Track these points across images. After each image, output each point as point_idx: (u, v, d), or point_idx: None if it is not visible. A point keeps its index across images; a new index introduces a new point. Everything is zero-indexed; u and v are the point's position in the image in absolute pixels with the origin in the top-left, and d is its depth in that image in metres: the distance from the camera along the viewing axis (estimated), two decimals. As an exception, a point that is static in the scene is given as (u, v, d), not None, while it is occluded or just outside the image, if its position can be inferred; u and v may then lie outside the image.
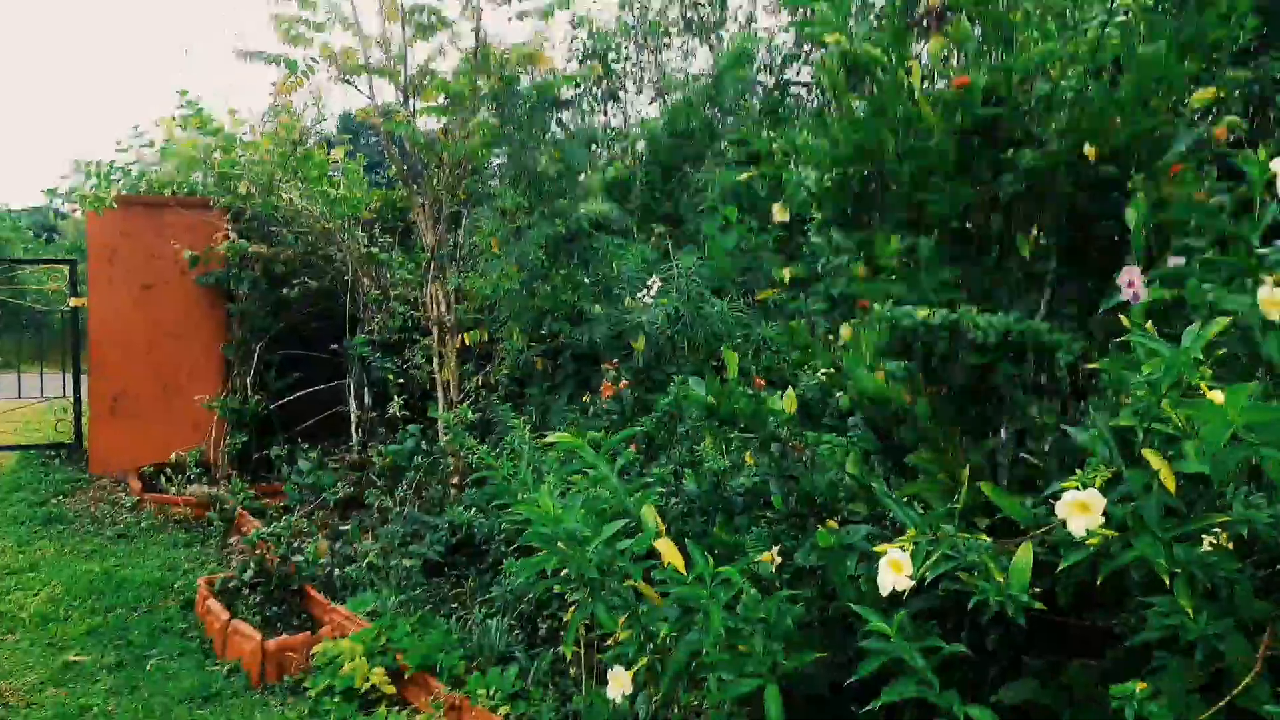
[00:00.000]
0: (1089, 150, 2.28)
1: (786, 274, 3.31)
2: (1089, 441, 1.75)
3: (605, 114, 7.85)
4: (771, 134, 3.40)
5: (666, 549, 2.25)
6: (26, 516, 5.69)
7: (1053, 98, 2.41)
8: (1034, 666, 2.26)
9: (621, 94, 7.99)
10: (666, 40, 8.58)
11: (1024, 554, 1.81)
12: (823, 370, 3.13)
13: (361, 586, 4.28)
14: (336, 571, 4.45)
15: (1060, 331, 2.20)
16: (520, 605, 3.88)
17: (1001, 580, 1.77)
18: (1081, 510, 1.60)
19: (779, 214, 3.64)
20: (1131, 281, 1.81)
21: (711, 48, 8.72)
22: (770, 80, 8.35)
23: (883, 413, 2.61)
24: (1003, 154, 2.38)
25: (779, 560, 2.67)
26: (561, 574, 2.26)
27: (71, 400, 7.52)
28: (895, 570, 1.68)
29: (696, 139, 7.59)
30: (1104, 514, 1.60)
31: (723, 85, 6.91)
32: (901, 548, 1.72)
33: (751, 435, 2.90)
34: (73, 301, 7.34)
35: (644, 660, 2.24)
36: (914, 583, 1.68)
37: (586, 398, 4.97)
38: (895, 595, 2.52)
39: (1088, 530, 1.60)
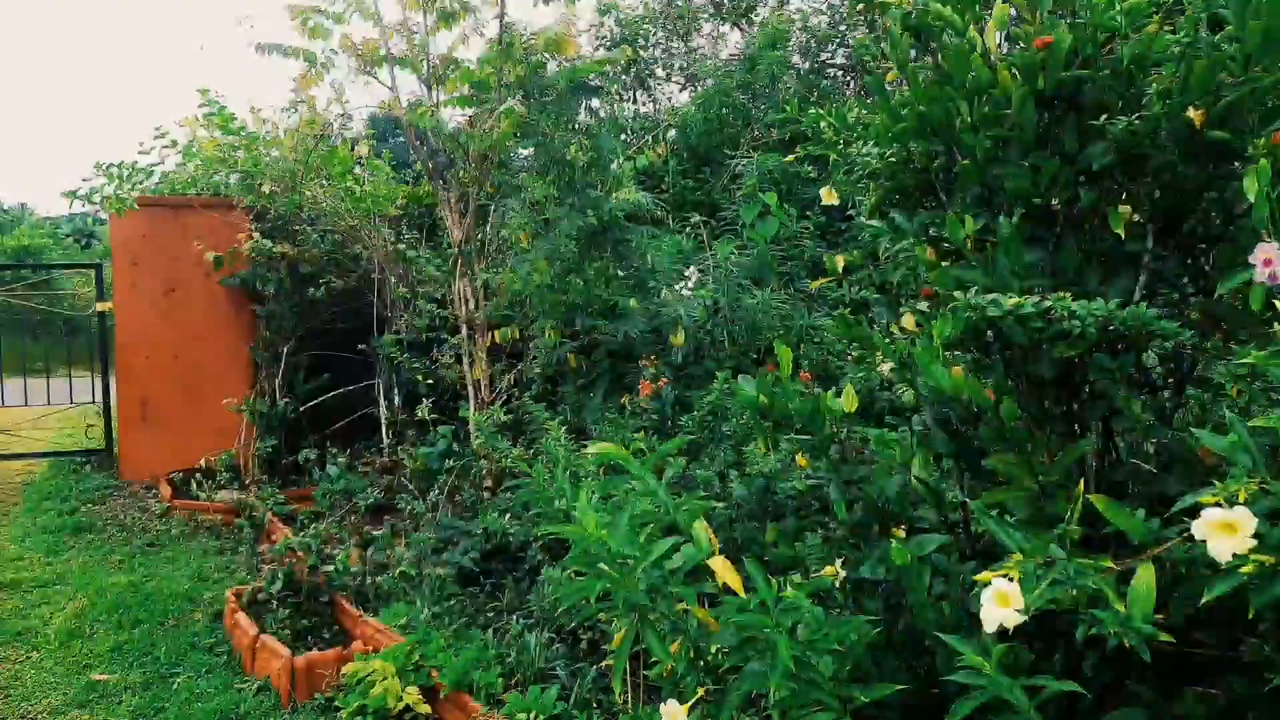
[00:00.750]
0: (1194, 114, 2.02)
1: (840, 261, 3.07)
2: (1228, 448, 1.50)
3: (635, 101, 7.62)
4: (820, 111, 3.16)
5: (722, 568, 2.03)
6: (56, 526, 5.59)
7: (1147, 56, 2.15)
8: (1140, 695, 2.01)
9: (650, 81, 7.75)
10: (696, 25, 8.33)
11: (1145, 577, 1.57)
12: (886, 365, 2.89)
13: (394, 597, 4.11)
14: (369, 580, 4.28)
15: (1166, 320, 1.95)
16: (560, 617, 3.68)
17: (1122, 609, 1.53)
18: (1226, 531, 1.36)
19: (828, 197, 3.41)
20: (1269, 260, 1.56)
21: (743, 32, 8.45)
22: (805, 64, 8.07)
23: (957, 411, 2.37)
24: (1093, 120, 2.13)
25: (842, 575, 2.45)
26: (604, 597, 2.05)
27: (101, 406, 7.45)
28: (1002, 603, 1.44)
29: (730, 125, 7.34)
30: (1255, 535, 1.36)
31: (757, 68, 6.65)
32: (1007, 575, 1.48)
33: (808, 436, 2.67)
34: (99, 306, 7.26)
35: (700, 692, 2.02)
36: (1025, 618, 1.44)
37: (625, 398, 4.76)
38: (975, 617, 2.29)
39: (1235, 555, 1.36)
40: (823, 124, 3.24)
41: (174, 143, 6.80)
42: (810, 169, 6.56)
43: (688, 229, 5.60)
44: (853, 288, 6.25)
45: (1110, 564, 1.51)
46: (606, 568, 1.90)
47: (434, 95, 5.10)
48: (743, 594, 2.02)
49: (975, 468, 2.54)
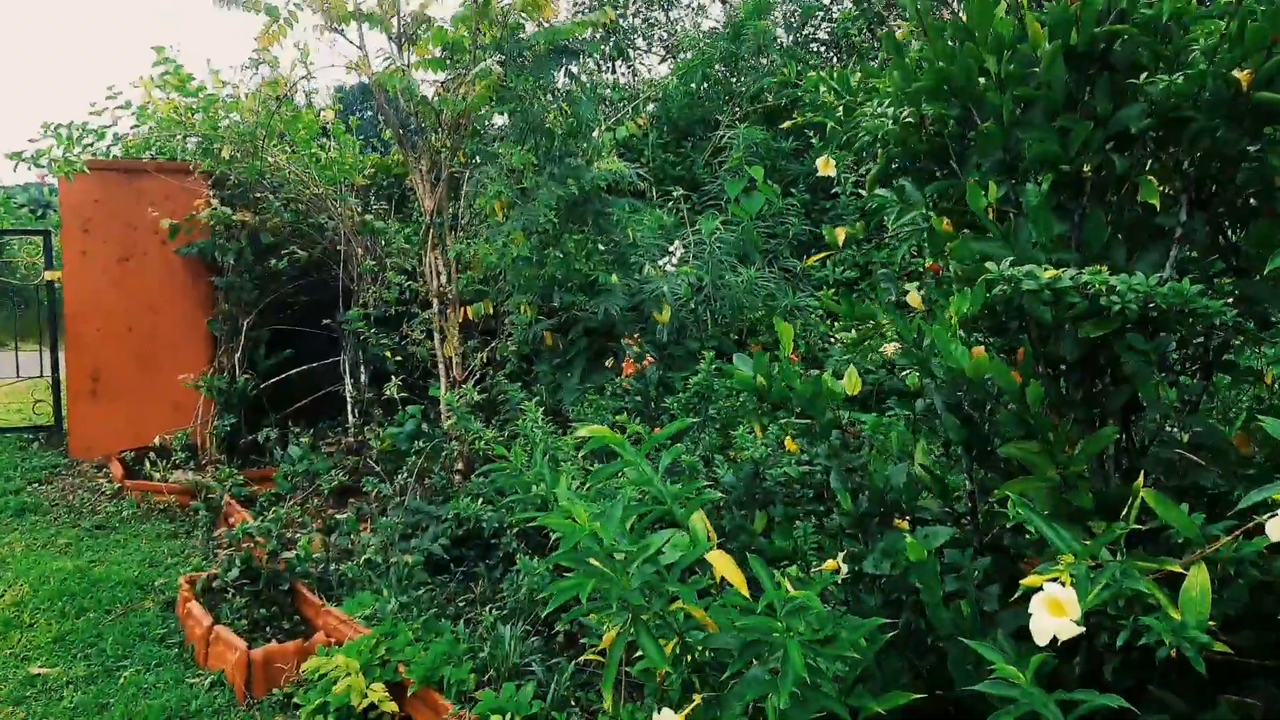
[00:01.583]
0: (1240, 75, 1.85)
1: (840, 235, 2.88)
2: (1306, 439, 1.34)
3: (614, 72, 7.37)
4: (820, 74, 2.97)
5: (722, 564, 1.85)
6: (-1, 506, 5.29)
7: (1188, 11, 1.98)
8: (1169, 703, 1.86)
9: (630, 52, 7.50)
10: (676, -4, 8.08)
11: (1199, 580, 1.41)
12: (890, 346, 2.71)
13: (359, 585, 3.89)
14: (332, 567, 4.06)
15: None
16: (535, 608, 3.49)
17: (1176, 615, 1.37)
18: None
19: (824, 168, 3.22)
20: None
21: (725, 4, 8.21)
22: (789, 39, 7.86)
23: (973, 396, 2.20)
24: (1131, 80, 1.95)
25: (845, 570, 2.28)
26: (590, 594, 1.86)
27: (50, 380, 7.10)
28: (1056, 612, 1.27)
29: (712, 98, 7.12)
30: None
31: (742, 37, 6.43)
32: (1058, 579, 1.31)
33: (808, 421, 2.50)
34: (47, 275, 6.90)
35: (697, 699, 1.84)
36: (1082, 629, 1.27)
37: (605, 377, 4.56)
38: (989, 616, 2.13)
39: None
40: (822, 88, 3.05)
41: (128, 104, 6.45)
42: (794, 142, 6.38)
43: (670, 203, 5.39)
44: (837, 267, 6.10)
45: (1173, 565, 1.34)
46: (598, 563, 1.71)
47: (405, 56, 4.82)
48: (745, 591, 1.84)
49: (986, 456, 2.38)
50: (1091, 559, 1.38)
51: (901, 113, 2.20)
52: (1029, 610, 1.31)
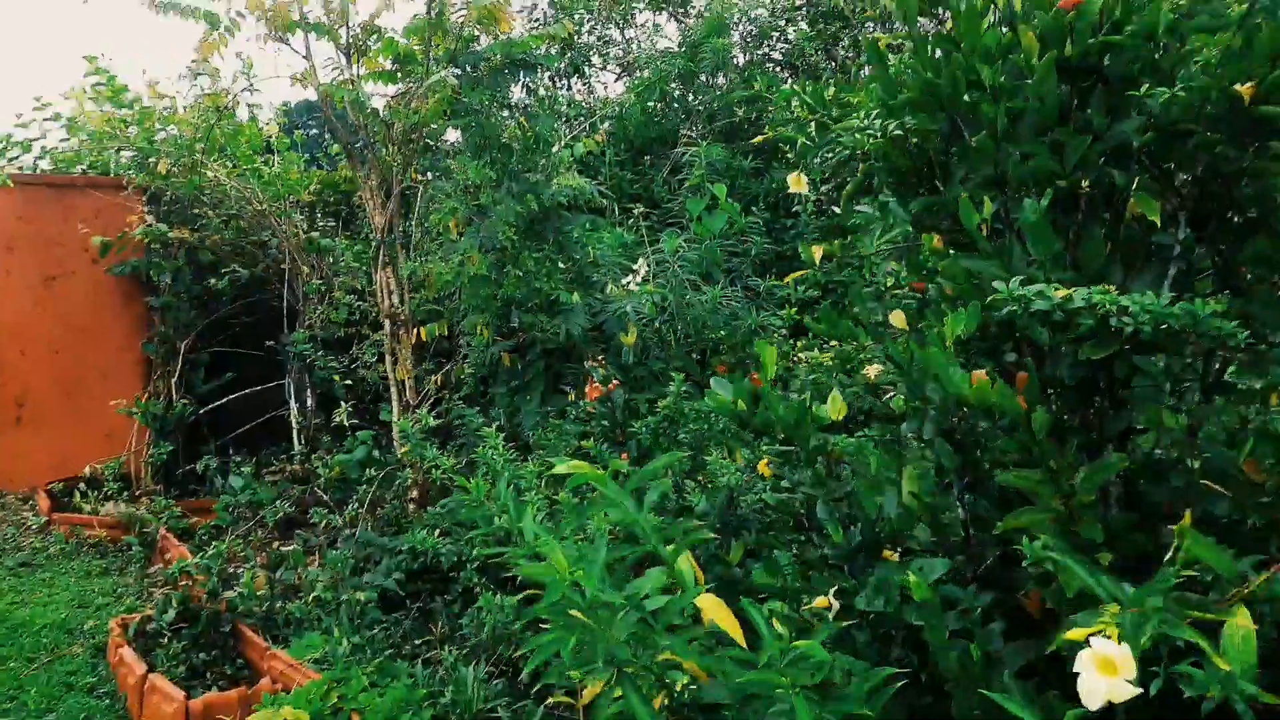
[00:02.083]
0: (1242, 89, 1.79)
1: (817, 253, 2.78)
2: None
3: (569, 89, 7.25)
4: (792, 88, 2.87)
5: (713, 608, 1.71)
6: (-89, 544, 4.91)
7: (1185, 23, 1.92)
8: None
9: (586, 68, 7.39)
10: (631, 15, 8.00)
11: (1242, 624, 1.31)
12: (873, 368, 2.61)
13: (307, 624, 3.66)
14: (278, 605, 3.82)
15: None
16: (498, 646, 3.30)
17: (1222, 665, 1.26)
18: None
19: (795, 184, 3.13)
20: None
21: (680, 23, 8.15)
22: (744, 57, 7.83)
23: (969, 422, 2.10)
24: (1129, 93, 1.88)
25: (836, 606, 2.15)
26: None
27: (-30, 407, 6.67)
28: (1107, 671, 1.15)
29: (669, 115, 7.04)
30: None
31: (700, 55, 6.36)
32: (1103, 633, 1.19)
33: (789, 448, 2.37)
34: (-33, 296, 6.49)
35: (689, 757, 1.69)
36: (1139, 690, 1.15)
37: (570, 397, 4.39)
38: (990, 655, 2.02)
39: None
40: (794, 103, 2.95)
41: (57, 115, 6.14)
42: (754, 160, 6.31)
43: (630, 220, 5.27)
44: (800, 286, 6.03)
45: (1226, 616, 1.23)
46: (581, 615, 1.56)
47: (354, 68, 4.63)
48: (739, 637, 1.70)
49: (981, 485, 2.29)
50: (1139, 609, 1.27)
51: (889, 125, 2.09)
52: (1074, 669, 1.19)
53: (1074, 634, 1.25)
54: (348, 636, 3.43)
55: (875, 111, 2.14)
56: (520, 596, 2.69)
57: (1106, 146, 1.99)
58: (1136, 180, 1.99)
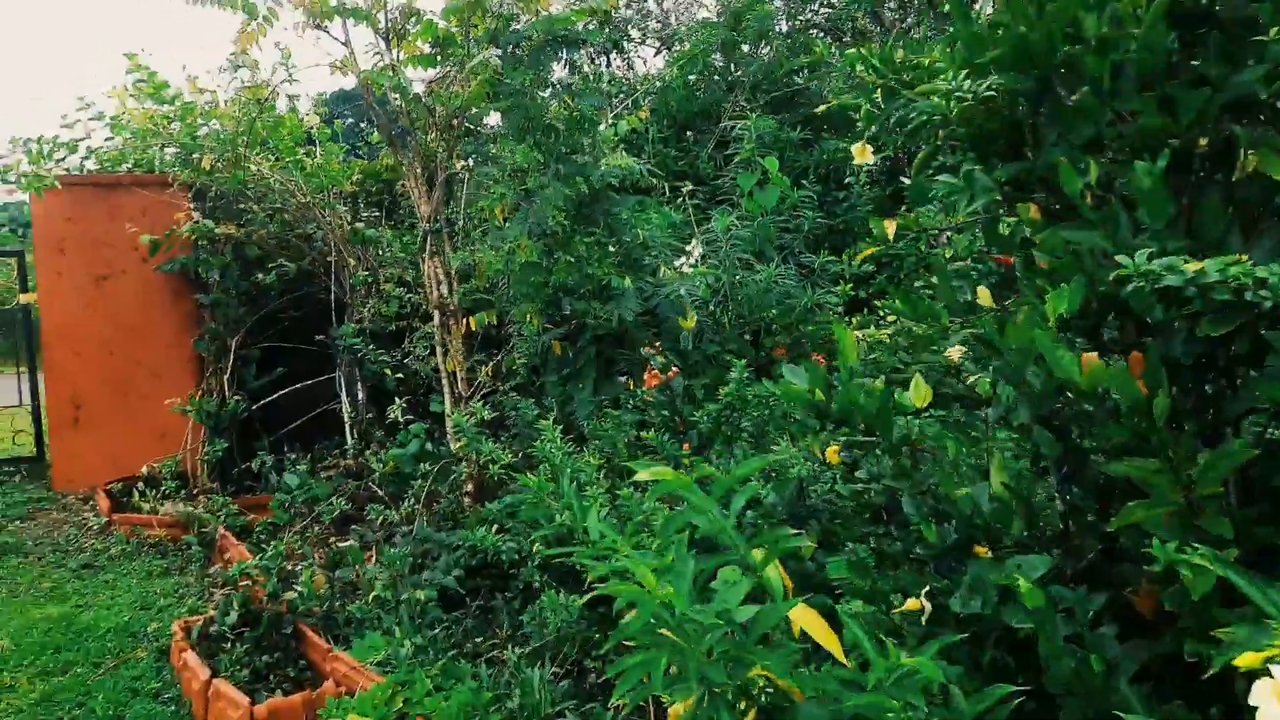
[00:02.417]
0: (1389, 25, 1.59)
1: (890, 227, 2.61)
2: None
3: (609, 65, 7.08)
4: (860, 51, 2.69)
5: (809, 622, 1.58)
6: (-22, 547, 4.98)
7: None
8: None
9: (624, 43, 7.21)
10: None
11: None
12: (955, 350, 2.44)
13: (368, 624, 3.60)
14: (338, 604, 3.77)
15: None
16: (563, 645, 3.21)
17: None
18: None
19: (860, 155, 2.95)
20: None
21: (718, -9, 7.90)
22: (786, 25, 7.58)
23: (1073, 407, 1.93)
24: (1258, 38, 1.68)
25: (928, 609, 2.01)
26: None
27: (30, 409, 6.77)
28: (1295, 706, 1.00)
29: (713, 88, 6.84)
30: None
31: (743, 25, 6.15)
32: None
33: (872, 438, 2.22)
34: (22, 298, 6.57)
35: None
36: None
37: (624, 389, 4.27)
38: (1112, 664, 1.86)
39: None
40: (858, 66, 2.77)
41: (100, 114, 6.13)
42: (804, 131, 6.10)
43: (679, 199, 5.11)
44: (854, 262, 5.82)
45: None
46: (672, 635, 1.43)
47: (394, 53, 4.53)
48: (839, 654, 1.57)
49: (1082, 475, 2.11)
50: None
51: (980, 85, 1.91)
52: (1250, 698, 1.04)
53: (1247, 660, 1.10)
54: (409, 637, 3.37)
55: (964, 72, 1.96)
56: (586, 598, 2.58)
57: (1224, 100, 1.79)
58: (1256, 138, 1.79)
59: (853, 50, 2.70)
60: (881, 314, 5.96)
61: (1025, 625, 1.90)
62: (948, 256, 2.79)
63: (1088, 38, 1.79)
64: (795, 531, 1.79)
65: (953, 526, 2.04)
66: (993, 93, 1.92)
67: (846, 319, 5.59)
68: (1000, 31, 1.95)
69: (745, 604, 1.58)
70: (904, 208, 6.79)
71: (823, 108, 2.86)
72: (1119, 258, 1.55)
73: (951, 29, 2.27)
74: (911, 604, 2.01)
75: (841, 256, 6.03)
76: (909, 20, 7.75)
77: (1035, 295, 2.11)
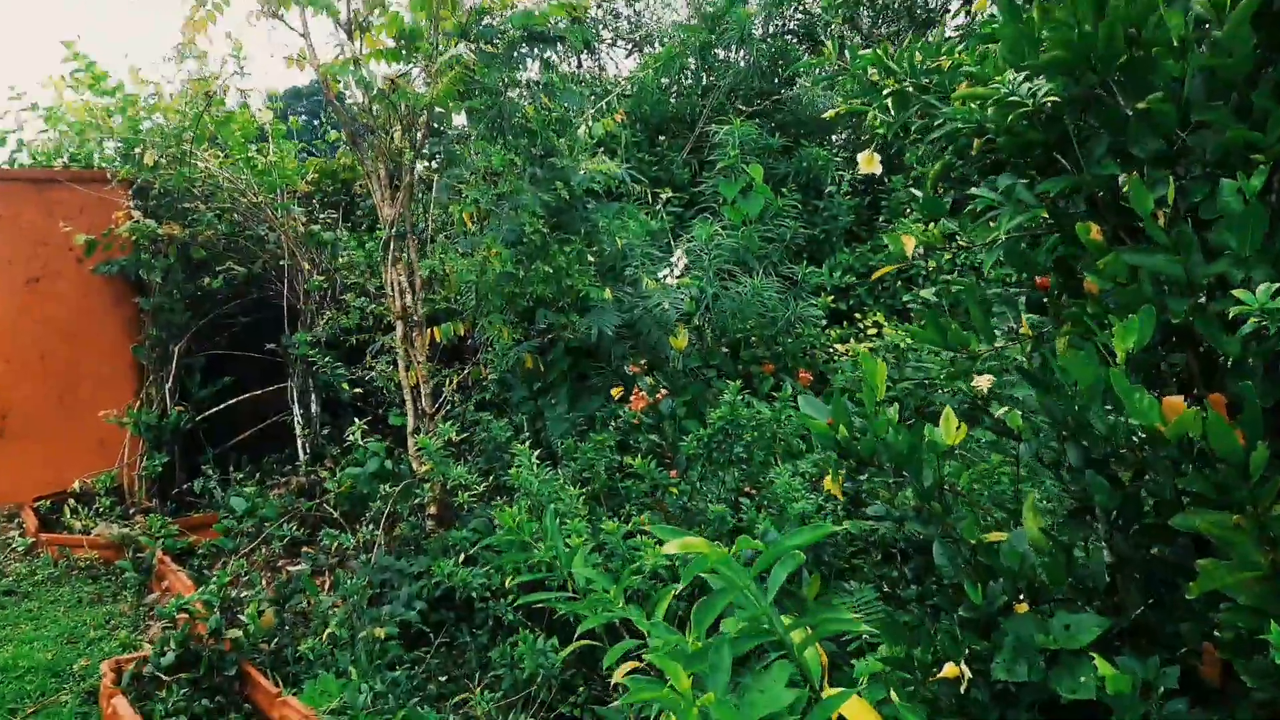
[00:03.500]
0: None
1: (908, 243, 2.40)
2: None
3: (580, 66, 6.84)
4: (875, 52, 2.49)
5: (860, 715, 1.34)
6: (-113, 572, 4.54)
7: None
8: None
9: (595, 44, 6.97)
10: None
11: None
12: (984, 379, 2.23)
13: (322, 662, 3.30)
14: (288, 640, 3.46)
15: None
16: (540, 692, 2.94)
17: None
18: None
19: (867, 164, 2.75)
20: None
21: (691, -4, 7.69)
22: (760, 30, 7.40)
23: (1141, 453, 1.73)
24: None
25: (968, 677, 1.79)
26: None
27: (-48, 417, 6.28)
28: None
29: (688, 91, 6.64)
30: None
31: (720, 28, 5.95)
32: None
33: (900, 478, 2.00)
34: (-55, 300, 6.09)
35: None
36: None
37: (593, 404, 4.02)
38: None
39: None
40: (870, 70, 2.57)
41: (34, 105, 5.72)
42: (783, 138, 5.92)
43: (658, 206, 4.88)
44: (834, 272, 5.64)
45: None
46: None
47: (356, 46, 4.22)
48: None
49: (1135, 526, 1.91)
50: None
51: (1040, 89, 1.71)
52: None
53: None
54: (366, 680, 3.07)
55: (1021, 75, 1.75)
56: (572, 648, 2.32)
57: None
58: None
59: (868, 51, 2.50)
60: (863, 328, 5.80)
61: (1080, 696, 1.70)
62: (933, 277, 2.61)
63: (1164, 39, 1.59)
64: (846, 617, 1.55)
65: (999, 585, 1.82)
66: (1056, 98, 1.71)
67: (826, 330, 5.42)
68: (1053, 32, 1.75)
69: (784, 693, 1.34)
70: (881, 219, 6.66)
71: (830, 113, 2.65)
72: (1238, 292, 1.34)
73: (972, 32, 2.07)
74: (949, 670, 1.79)
75: (822, 267, 5.86)
76: (884, 28, 7.62)
77: (1082, 324, 1.91)
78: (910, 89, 2.41)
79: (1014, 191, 1.95)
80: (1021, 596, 1.89)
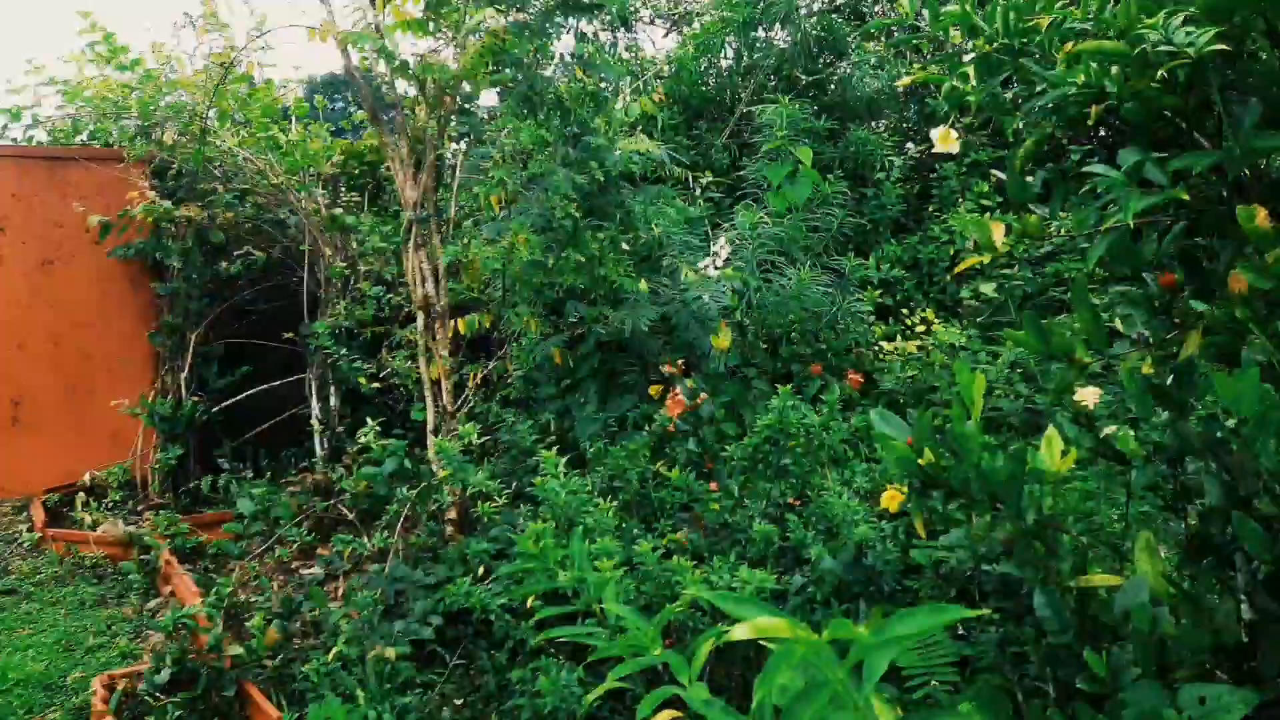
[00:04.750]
0: None
1: (997, 232, 2.06)
2: None
3: (616, 45, 6.52)
4: (958, 8, 2.16)
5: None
6: (-111, 567, 4.36)
7: None
8: None
9: (633, 21, 6.64)
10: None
11: None
12: (1090, 394, 1.90)
13: (329, 682, 3.04)
14: (294, 654, 3.21)
15: None
16: (560, 725, 2.65)
17: None
18: None
19: (943, 141, 2.43)
20: None
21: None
22: (805, 7, 7.02)
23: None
24: None
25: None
26: None
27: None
28: None
29: (730, 71, 6.30)
30: None
31: (768, 1, 5.60)
32: None
33: (997, 510, 1.68)
34: (-40, 283, 5.93)
35: None
36: None
37: (626, 403, 3.72)
38: None
39: None
40: (953, 30, 2.25)
41: (52, 80, 5.51)
42: (829, 121, 5.56)
43: (700, 192, 4.56)
44: (883, 264, 5.29)
45: None
46: None
47: (381, 15, 3.95)
48: None
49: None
50: None
51: (1203, 38, 1.36)
52: None
53: None
54: (375, 706, 2.80)
55: (1178, 18, 1.41)
56: (603, 689, 2.03)
57: None
58: None
59: (953, 7, 2.16)
60: (909, 324, 5.43)
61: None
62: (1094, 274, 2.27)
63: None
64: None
65: (1124, 652, 1.49)
66: (1224, 45, 1.37)
67: (869, 326, 5.06)
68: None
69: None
70: (933, 209, 6.27)
71: (906, 80, 2.31)
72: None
73: None
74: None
75: (868, 258, 5.50)
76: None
77: (1217, 330, 1.58)
78: (1000, 53, 2.08)
79: (1142, 169, 1.61)
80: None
